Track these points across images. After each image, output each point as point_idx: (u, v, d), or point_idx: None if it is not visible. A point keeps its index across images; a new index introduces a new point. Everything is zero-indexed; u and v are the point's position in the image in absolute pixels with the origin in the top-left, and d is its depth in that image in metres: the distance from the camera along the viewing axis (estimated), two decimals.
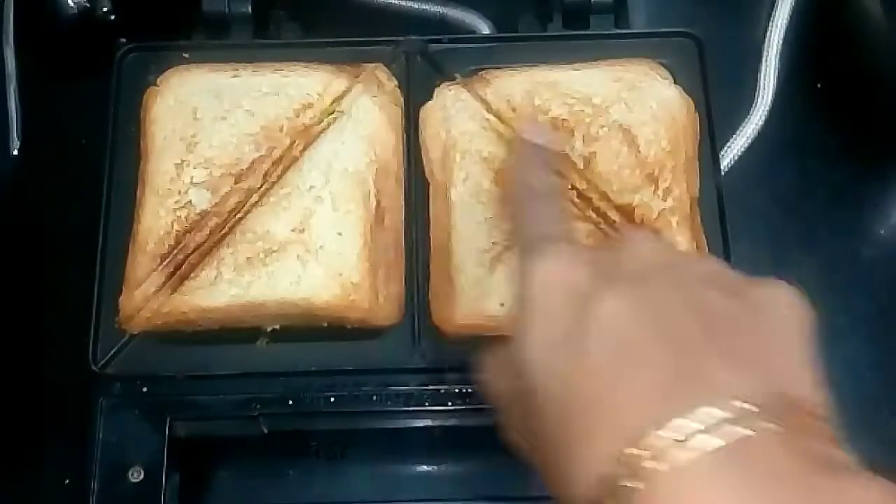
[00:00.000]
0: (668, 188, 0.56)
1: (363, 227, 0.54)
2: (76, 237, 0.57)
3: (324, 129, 0.57)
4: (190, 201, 0.55)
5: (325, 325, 0.54)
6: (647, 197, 0.55)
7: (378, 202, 0.56)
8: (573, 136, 0.57)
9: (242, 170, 0.56)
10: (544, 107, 0.58)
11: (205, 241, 0.54)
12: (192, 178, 0.56)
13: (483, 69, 0.60)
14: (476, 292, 0.53)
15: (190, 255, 0.54)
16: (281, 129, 0.57)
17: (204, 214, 0.55)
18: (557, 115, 0.57)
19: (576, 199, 0.55)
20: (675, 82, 0.59)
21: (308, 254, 0.54)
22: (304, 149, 0.56)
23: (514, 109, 0.58)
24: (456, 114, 0.58)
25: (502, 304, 0.53)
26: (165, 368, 0.53)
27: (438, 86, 0.59)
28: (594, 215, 0.55)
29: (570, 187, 0.56)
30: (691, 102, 0.58)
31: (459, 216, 0.55)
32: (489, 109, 0.58)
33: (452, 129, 0.57)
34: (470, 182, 0.56)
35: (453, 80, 0.59)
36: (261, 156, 0.56)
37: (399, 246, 0.56)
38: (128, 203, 0.56)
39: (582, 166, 0.56)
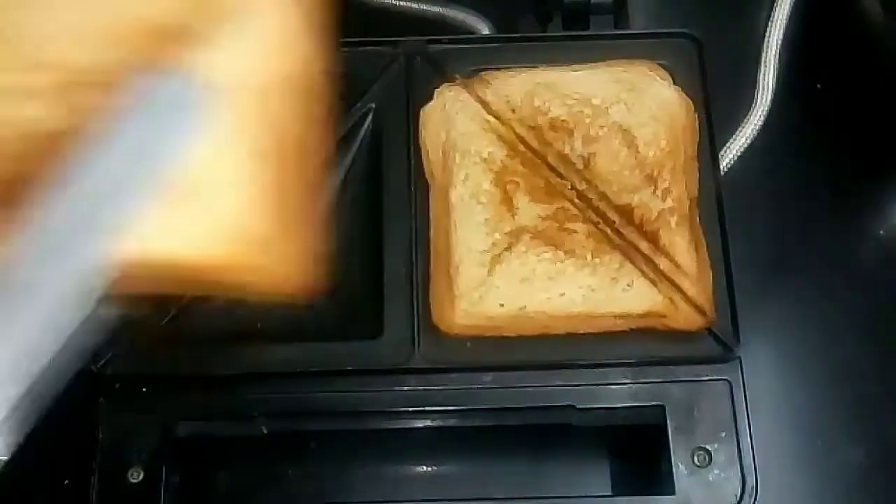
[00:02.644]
0: (668, 189, 0.56)
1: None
2: None
3: None
4: None
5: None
6: (647, 197, 0.55)
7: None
8: (573, 136, 0.57)
9: None
10: (544, 108, 0.58)
11: None
12: None
13: (483, 70, 0.60)
14: (476, 292, 0.53)
15: None
16: None
17: None
18: (557, 116, 0.57)
19: (575, 200, 0.55)
20: (675, 83, 0.59)
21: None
22: None
23: (513, 110, 0.58)
24: (456, 114, 0.58)
25: (502, 305, 0.53)
26: (165, 368, 0.53)
27: (438, 86, 0.59)
28: (594, 216, 0.55)
29: (569, 187, 0.56)
30: (690, 103, 0.58)
31: (459, 216, 0.55)
32: (489, 110, 0.58)
33: (452, 130, 0.57)
34: (470, 182, 0.56)
35: (453, 80, 0.59)
36: None
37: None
38: None
39: (581, 167, 0.56)
